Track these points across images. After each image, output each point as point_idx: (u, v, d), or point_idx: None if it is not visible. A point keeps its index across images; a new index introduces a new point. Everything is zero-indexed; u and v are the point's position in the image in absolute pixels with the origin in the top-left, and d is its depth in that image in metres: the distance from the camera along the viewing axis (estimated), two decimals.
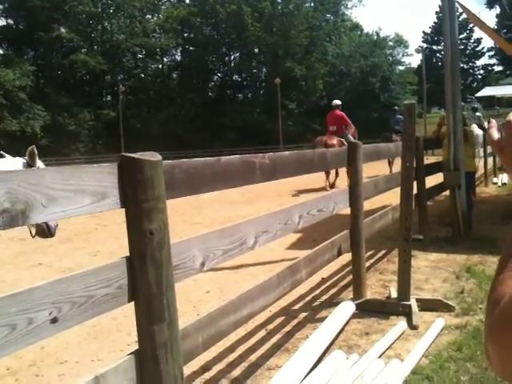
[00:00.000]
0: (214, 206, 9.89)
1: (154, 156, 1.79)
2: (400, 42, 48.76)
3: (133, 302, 1.74)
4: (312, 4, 45.88)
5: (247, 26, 41.16)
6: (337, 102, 12.67)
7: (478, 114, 17.20)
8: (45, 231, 3.31)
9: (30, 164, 3.45)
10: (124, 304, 1.72)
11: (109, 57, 41.08)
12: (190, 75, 43.72)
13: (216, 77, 48.11)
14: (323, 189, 11.30)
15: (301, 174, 3.57)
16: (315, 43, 43.71)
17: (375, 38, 47.75)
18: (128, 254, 1.73)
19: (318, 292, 4.56)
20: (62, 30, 40.57)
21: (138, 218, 1.71)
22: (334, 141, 11.40)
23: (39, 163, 3.57)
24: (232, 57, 47.54)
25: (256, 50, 45.23)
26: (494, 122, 0.75)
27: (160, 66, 46.96)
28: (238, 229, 2.60)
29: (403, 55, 49.55)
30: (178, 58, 47.94)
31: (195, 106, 40.57)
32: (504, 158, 0.71)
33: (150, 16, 46.01)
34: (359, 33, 49.84)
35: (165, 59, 47.48)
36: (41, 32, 38.09)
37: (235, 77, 47.83)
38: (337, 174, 12.25)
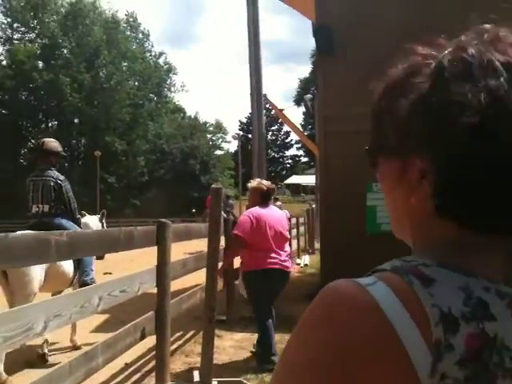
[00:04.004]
0: None
1: None
2: (219, 128, 52.16)
3: None
4: (136, 83, 46.85)
5: (66, 95, 40.08)
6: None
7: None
8: None
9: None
10: None
11: None
12: (1, 140, 40.24)
13: (30, 143, 45.08)
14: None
15: (105, 252, 3.47)
16: (137, 120, 44.28)
17: (196, 121, 50.41)
18: None
19: (119, 379, 4.28)
20: None
21: None
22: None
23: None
24: (50, 124, 45.43)
25: (76, 121, 44.01)
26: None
27: None
28: (23, 313, 2.36)
29: (222, 141, 52.87)
30: None
31: (6, 172, 37.22)
32: None
33: None
34: (182, 115, 52.10)
35: None
36: None
37: None
38: None
